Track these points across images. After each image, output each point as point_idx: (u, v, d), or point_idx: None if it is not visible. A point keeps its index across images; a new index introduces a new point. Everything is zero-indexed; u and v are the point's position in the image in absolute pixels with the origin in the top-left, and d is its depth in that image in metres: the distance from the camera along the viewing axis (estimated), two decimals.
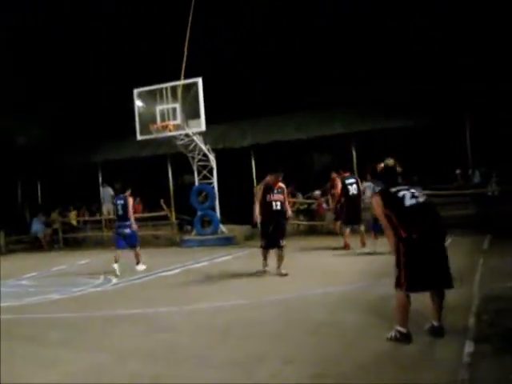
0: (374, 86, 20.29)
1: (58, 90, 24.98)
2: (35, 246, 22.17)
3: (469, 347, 5.24)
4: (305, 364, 5.23)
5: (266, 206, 10.50)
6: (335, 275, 10.12)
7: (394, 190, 5.87)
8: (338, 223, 16.37)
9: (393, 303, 5.80)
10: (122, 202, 12.74)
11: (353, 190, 13.71)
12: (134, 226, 12.84)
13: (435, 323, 5.74)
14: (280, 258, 10.52)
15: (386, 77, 20.65)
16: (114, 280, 11.53)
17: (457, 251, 11.12)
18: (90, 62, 25.39)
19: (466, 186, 17.63)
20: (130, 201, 12.81)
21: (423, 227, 5.62)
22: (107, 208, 22.95)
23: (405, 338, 5.57)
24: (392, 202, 5.76)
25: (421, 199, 5.78)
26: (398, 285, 5.65)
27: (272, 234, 10.51)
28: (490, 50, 18.06)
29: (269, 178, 10.74)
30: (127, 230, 12.67)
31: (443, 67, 19.69)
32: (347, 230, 13.83)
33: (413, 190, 5.83)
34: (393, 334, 5.65)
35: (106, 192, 23.42)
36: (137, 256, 12.80)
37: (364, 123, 19.53)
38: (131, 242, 12.77)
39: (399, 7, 20.74)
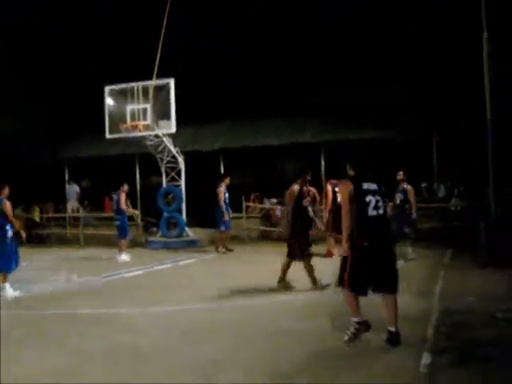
0: (363, 89, 20.40)
1: (27, 85, 24.61)
2: None
3: (426, 358, 5.34)
4: (262, 367, 5.30)
5: (303, 211, 9.51)
6: (299, 282, 10.11)
7: (365, 187, 5.96)
8: None
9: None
10: (116, 197, 14.56)
11: (339, 198, 13.30)
12: (121, 221, 14.53)
13: (391, 328, 5.81)
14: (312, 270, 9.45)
15: (371, 79, 20.83)
16: (76, 279, 11.43)
17: (419, 264, 11.42)
18: (60, 56, 25.07)
19: (431, 200, 17.88)
20: (122, 196, 14.35)
21: (375, 237, 5.82)
22: (72, 205, 22.69)
23: (362, 326, 5.72)
24: (359, 200, 5.88)
25: (381, 211, 5.96)
26: (340, 283, 5.94)
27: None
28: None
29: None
30: (118, 223, 14.57)
31: (418, 77, 19.96)
32: (331, 238, 13.26)
33: (377, 198, 5.96)
34: (350, 330, 5.80)
35: (72, 189, 23.15)
36: (121, 246, 14.42)
37: (333, 133, 19.71)
38: (120, 234, 14.62)
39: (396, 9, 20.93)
